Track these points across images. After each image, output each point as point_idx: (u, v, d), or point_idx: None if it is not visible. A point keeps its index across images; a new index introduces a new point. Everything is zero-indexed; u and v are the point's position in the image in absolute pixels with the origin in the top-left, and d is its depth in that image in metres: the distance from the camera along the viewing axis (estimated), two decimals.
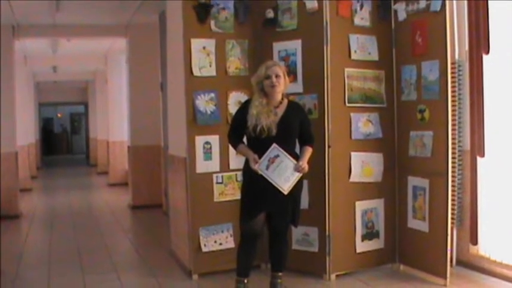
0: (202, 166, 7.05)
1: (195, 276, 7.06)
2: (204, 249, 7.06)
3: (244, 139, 6.05)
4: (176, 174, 7.79)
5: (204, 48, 7.02)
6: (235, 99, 7.08)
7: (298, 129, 5.96)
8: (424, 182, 6.75)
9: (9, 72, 12.17)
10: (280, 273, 6.22)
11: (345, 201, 6.96)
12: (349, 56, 6.95)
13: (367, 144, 7.05)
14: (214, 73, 7.08)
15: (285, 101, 5.99)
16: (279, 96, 5.92)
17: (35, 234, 10.73)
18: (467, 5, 6.84)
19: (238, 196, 6.43)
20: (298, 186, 5.91)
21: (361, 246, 7.02)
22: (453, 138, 6.82)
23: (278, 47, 7.11)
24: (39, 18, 11.94)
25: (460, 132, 7.07)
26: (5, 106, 11.87)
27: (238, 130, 6.02)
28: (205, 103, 6.99)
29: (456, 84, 7.00)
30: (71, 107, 37.45)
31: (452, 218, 6.79)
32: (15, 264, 8.11)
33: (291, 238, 6.87)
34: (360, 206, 7.05)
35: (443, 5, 6.40)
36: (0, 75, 11.70)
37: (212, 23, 7.06)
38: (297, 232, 6.94)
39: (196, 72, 6.99)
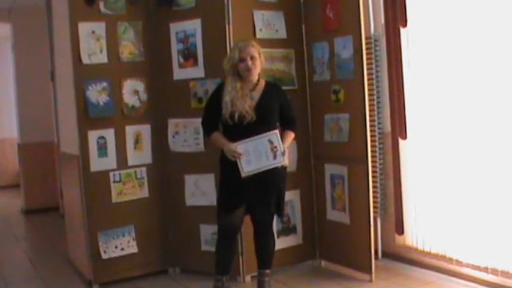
0: (97, 164, 6.68)
1: (95, 287, 6.70)
2: (104, 256, 6.72)
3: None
4: (69, 174, 7.41)
5: (93, 32, 6.63)
6: (130, 88, 6.77)
7: (278, 112, 5.78)
8: (342, 170, 6.59)
9: None
10: (268, 271, 6.02)
11: None
12: (254, 34, 6.66)
13: None
14: (105, 60, 6.71)
15: (262, 83, 5.79)
16: (255, 79, 5.71)
17: None
18: None
19: (138, 195, 6.57)
20: (282, 176, 5.76)
21: (278, 243, 6.63)
22: (372, 120, 6.71)
23: (175, 27, 6.79)
24: None
25: (379, 113, 6.95)
26: None
27: (212, 117, 5.81)
28: (97, 93, 6.62)
29: (373, 61, 6.88)
30: None
31: (374, 207, 6.67)
32: None
33: (199, 239, 6.74)
34: None
35: None
36: None
37: (101, 4, 6.67)
38: (205, 232, 6.72)
39: (85, 59, 6.59)
